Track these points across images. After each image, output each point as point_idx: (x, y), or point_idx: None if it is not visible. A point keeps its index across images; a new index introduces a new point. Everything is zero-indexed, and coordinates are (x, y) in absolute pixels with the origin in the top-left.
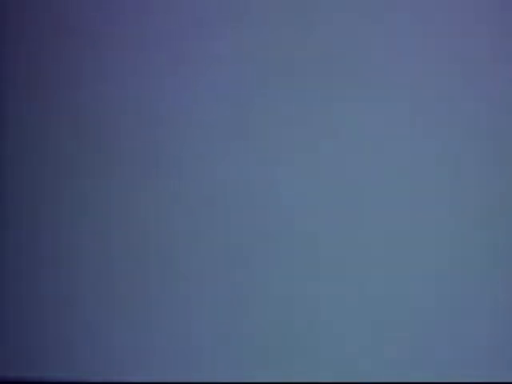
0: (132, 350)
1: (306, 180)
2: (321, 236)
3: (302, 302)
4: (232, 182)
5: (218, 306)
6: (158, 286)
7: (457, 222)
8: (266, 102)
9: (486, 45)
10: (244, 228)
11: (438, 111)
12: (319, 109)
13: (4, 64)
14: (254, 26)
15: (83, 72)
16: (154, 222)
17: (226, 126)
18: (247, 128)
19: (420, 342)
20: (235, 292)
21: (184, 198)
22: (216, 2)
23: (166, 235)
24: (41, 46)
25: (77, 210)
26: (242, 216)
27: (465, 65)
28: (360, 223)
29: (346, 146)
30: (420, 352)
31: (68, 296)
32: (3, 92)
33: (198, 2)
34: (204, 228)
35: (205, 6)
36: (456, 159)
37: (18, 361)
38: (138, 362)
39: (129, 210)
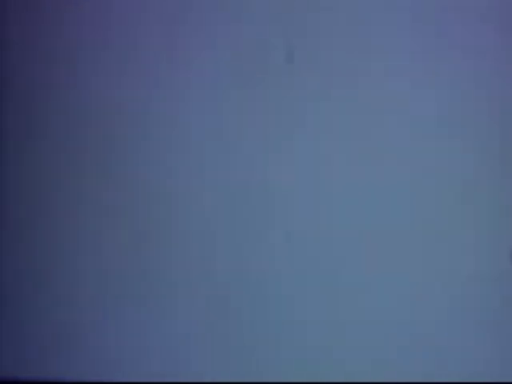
0: (132, 350)
1: (306, 181)
2: (321, 236)
3: (301, 302)
4: (231, 184)
5: (218, 307)
6: (158, 288)
7: (458, 226)
8: (266, 103)
9: (487, 47)
10: (244, 228)
11: (438, 114)
12: (319, 110)
13: (4, 64)
14: (251, 25)
15: (82, 71)
16: (152, 222)
17: (227, 125)
18: (247, 127)
19: (420, 343)
20: (235, 292)
21: (182, 199)
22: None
23: (163, 235)
24: (40, 48)
25: (76, 209)
26: (241, 216)
27: (464, 66)
28: (361, 222)
29: (345, 146)
30: (420, 352)
31: (68, 296)
32: (3, 93)
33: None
34: (204, 227)
35: (203, 5)
36: (457, 159)
37: (18, 361)
38: (137, 362)
39: (127, 210)
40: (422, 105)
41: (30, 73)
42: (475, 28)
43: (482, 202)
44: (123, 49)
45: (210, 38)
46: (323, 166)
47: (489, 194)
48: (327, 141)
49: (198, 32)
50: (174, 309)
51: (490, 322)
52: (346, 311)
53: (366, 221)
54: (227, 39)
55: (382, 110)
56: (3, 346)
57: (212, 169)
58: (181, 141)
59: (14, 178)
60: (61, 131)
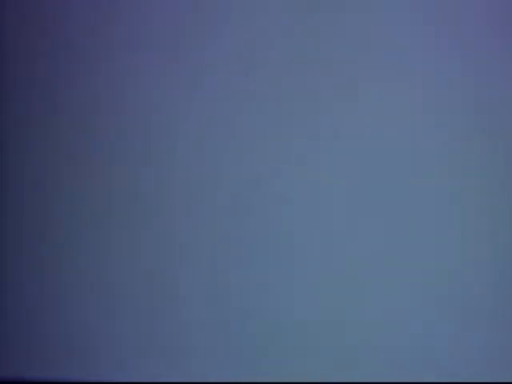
0: (132, 350)
1: (306, 181)
2: (322, 234)
3: (301, 302)
4: (232, 182)
5: (218, 307)
6: (160, 288)
7: (458, 222)
8: (267, 101)
9: (488, 44)
10: (245, 226)
11: (439, 109)
12: (320, 108)
13: (4, 64)
14: (254, 26)
15: (82, 69)
16: (153, 222)
17: (227, 123)
18: (248, 126)
19: (420, 343)
20: (235, 292)
21: (182, 198)
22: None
23: (165, 233)
24: (40, 47)
25: (77, 209)
26: (242, 214)
27: (465, 66)
28: (362, 222)
29: (346, 145)
30: (420, 352)
31: (68, 296)
32: (3, 92)
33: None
34: (204, 225)
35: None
36: (457, 156)
37: (18, 361)
38: (138, 362)
39: (129, 209)
40: (422, 106)
41: (30, 73)
42: (475, 28)
43: (481, 201)
44: (122, 48)
45: (211, 38)
46: (323, 166)
47: (489, 193)
48: (327, 141)
49: (198, 32)
50: (177, 309)
51: (490, 322)
52: (347, 311)
53: (366, 221)
54: (228, 39)
55: (383, 111)
56: (3, 346)
57: (212, 168)
58: (182, 141)
59: (15, 177)
60: (61, 131)
